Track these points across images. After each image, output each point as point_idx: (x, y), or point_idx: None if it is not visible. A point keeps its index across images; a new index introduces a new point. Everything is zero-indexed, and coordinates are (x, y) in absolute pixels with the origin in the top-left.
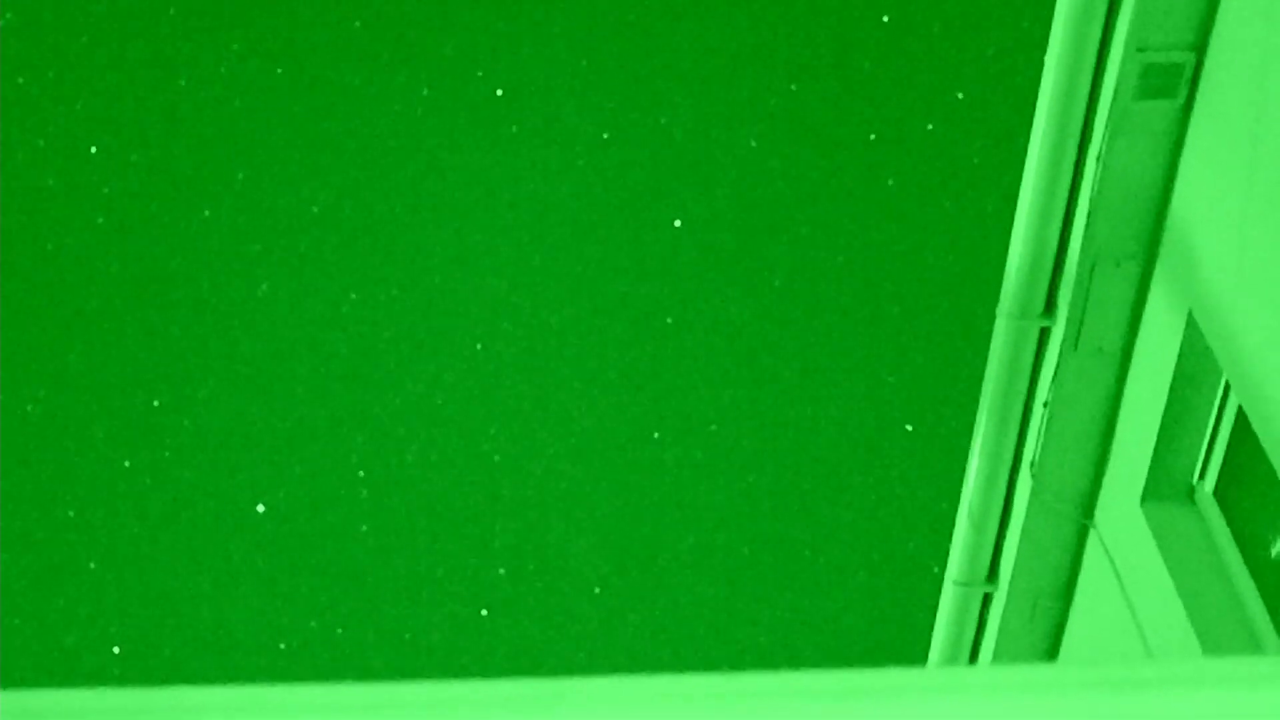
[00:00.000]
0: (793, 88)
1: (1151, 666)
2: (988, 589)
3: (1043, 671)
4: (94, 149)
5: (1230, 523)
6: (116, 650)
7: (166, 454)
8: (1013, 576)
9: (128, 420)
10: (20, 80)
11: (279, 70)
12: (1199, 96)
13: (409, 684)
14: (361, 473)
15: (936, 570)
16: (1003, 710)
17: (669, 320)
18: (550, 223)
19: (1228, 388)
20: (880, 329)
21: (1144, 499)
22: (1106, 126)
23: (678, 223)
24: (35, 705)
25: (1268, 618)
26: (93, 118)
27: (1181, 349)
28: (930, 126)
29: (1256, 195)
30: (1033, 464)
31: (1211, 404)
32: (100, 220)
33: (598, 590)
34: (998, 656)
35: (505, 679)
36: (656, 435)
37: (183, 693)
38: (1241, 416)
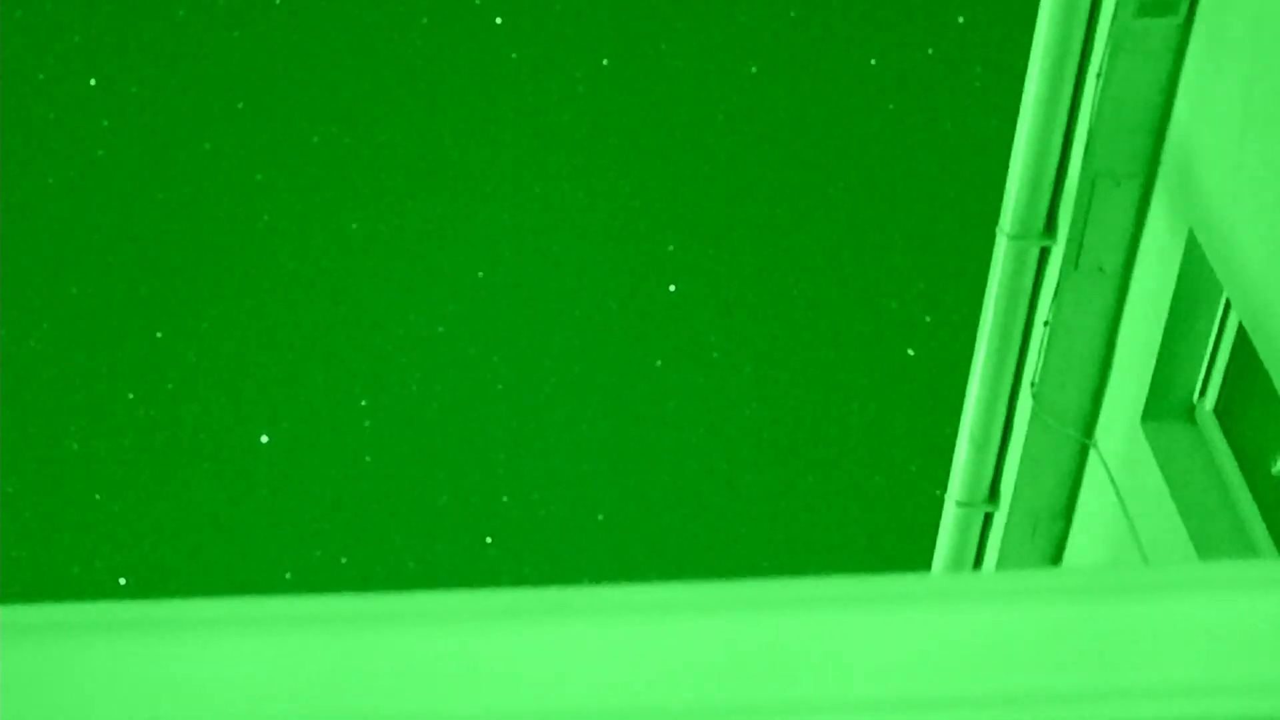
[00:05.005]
0: (792, 14)
1: (1148, 571)
2: (989, 509)
3: (1039, 577)
4: (93, 81)
5: (1231, 441)
6: (123, 581)
7: (170, 386)
8: (1013, 496)
9: (131, 352)
10: (19, 14)
11: (277, 1)
12: (1199, 13)
13: (411, 594)
14: (364, 402)
15: (938, 491)
16: (1000, 613)
17: (670, 247)
18: (550, 149)
19: (1228, 305)
20: (881, 252)
21: (1144, 418)
22: (1106, 44)
23: (678, 149)
24: (35, 619)
25: (1268, 535)
26: (91, 50)
27: (1182, 267)
28: (930, 51)
29: (1256, 113)
30: (1033, 384)
31: (1212, 322)
32: (100, 154)
33: (601, 517)
34: None
35: (507, 590)
36: (659, 363)
37: (186, 605)
38: (1242, 334)
